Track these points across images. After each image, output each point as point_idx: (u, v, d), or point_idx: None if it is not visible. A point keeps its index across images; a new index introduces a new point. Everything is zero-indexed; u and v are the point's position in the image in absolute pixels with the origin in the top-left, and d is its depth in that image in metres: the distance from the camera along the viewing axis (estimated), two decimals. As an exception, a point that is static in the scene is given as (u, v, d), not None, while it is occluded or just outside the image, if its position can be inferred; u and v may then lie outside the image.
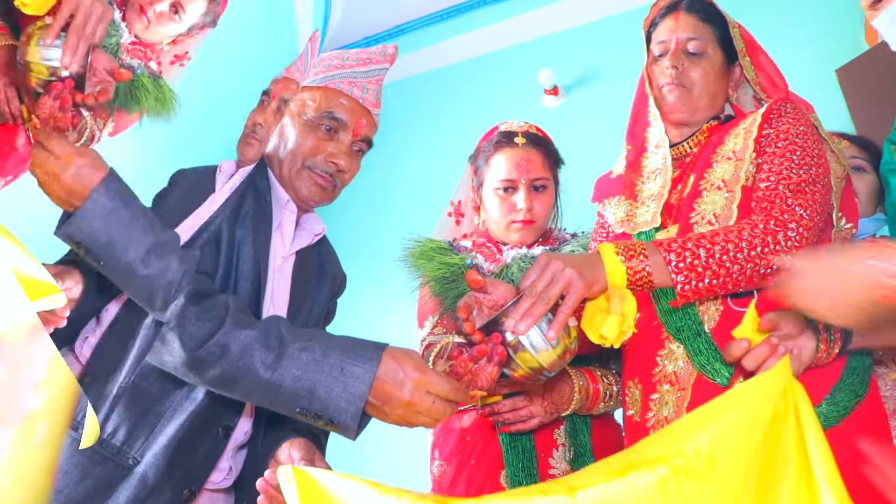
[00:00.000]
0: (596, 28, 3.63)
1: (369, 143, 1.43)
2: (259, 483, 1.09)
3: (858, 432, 1.13)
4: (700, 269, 1.13)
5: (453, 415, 1.65)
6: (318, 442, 1.27)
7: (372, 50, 1.43)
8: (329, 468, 1.16)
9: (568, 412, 1.51)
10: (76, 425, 1.11)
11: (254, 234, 1.25)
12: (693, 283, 1.13)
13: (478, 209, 1.83)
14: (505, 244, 1.74)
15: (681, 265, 1.13)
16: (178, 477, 1.12)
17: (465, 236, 1.83)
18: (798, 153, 1.26)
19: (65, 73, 1.22)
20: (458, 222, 1.91)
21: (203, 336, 1.03)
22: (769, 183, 1.25)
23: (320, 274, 1.45)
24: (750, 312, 1.16)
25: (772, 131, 1.31)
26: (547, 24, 3.73)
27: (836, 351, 1.13)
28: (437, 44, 3.93)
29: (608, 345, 1.09)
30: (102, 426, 1.11)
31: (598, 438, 1.57)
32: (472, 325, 1.14)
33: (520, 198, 1.69)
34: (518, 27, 3.77)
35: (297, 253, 1.40)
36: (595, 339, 1.10)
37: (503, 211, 1.71)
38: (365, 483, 0.93)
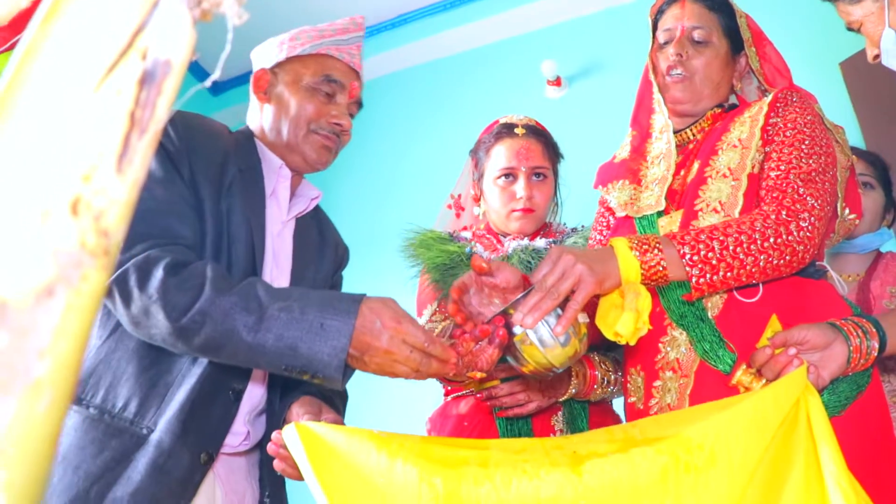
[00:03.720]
0: (599, 19, 3.62)
1: (359, 105, 1.48)
2: (269, 446, 1.12)
3: (860, 423, 1.14)
4: (714, 262, 1.12)
5: (450, 401, 1.68)
6: (330, 401, 1.29)
7: (343, 21, 1.47)
8: (340, 422, 1.18)
9: (565, 397, 1.51)
10: (87, 404, 1.13)
11: (242, 202, 1.27)
12: (708, 275, 1.13)
13: (478, 200, 1.84)
14: (505, 235, 1.76)
15: (695, 258, 1.12)
16: (193, 440, 1.14)
17: (465, 228, 1.86)
18: (807, 143, 1.26)
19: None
20: (458, 215, 1.93)
21: (185, 305, 1.05)
22: (779, 172, 1.24)
23: (321, 241, 1.48)
24: (772, 323, 1.17)
25: (779, 120, 1.30)
26: (550, 15, 3.71)
27: (874, 356, 1.11)
28: (440, 33, 3.91)
29: (623, 342, 1.08)
30: (112, 401, 1.13)
31: (595, 425, 1.56)
32: (458, 307, 1.14)
33: (520, 186, 1.72)
34: (521, 17, 3.75)
35: (297, 221, 1.43)
36: (610, 336, 1.09)
37: (503, 200, 1.73)
38: (367, 434, 0.95)
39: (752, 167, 1.27)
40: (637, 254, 1.13)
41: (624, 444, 0.99)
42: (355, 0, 3.83)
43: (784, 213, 1.17)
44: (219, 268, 1.12)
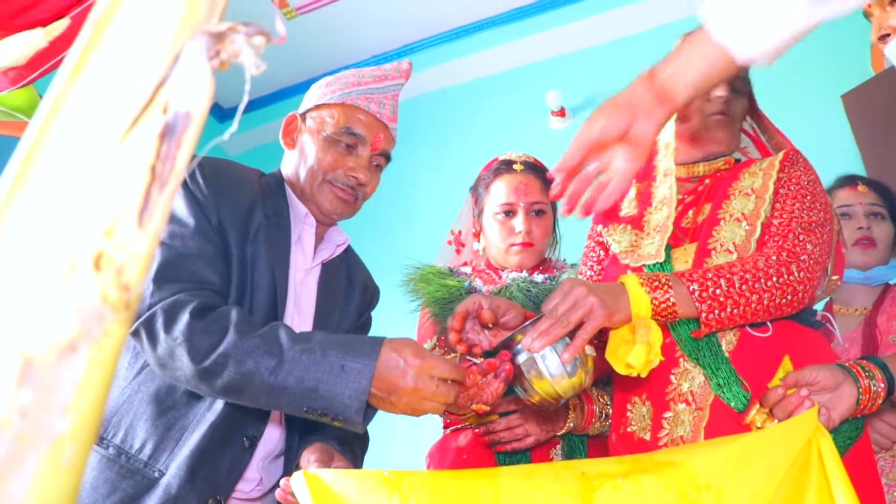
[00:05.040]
0: (604, 51, 3.66)
1: (387, 157, 1.46)
2: (277, 493, 1.13)
3: (858, 463, 1.16)
4: (722, 299, 1.16)
5: (449, 434, 1.67)
6: (349, 447, 1.30)
7: (386, 66, 1.47)
8: (351, 467, 1.18)
9: (563, 431, 1.51)
10: (107, 444, 1.14)
11: (267, 249, 1.28)
12: (716, 312, 1.16)
13: (478, 236, 1.88)
14: (504, 269, 1.78)
15: (704, 294, 1.16)
16: (201, 486, 1.14)
17: (465, 264, 1.89)
18: (809, 198, 1.32)
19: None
20: (458, 251, 1.96)
21: (208, 348, 1.06)
22: (782, 220, 1.29)
23: (349, 285, 1.48)
24: (785, 364, 1.20)
25: (785, 176, 1.36)
26: (555, 46, 3.76)
27: (882, 398, 1.14)
28: (445, 63, 3.96)
29: (634, 374, 1.10)
30: (130, 442, 1.15)
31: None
32: (459, 336, 1.16)
33: (518, 221, 1.75)
34: (526, 48, 3.79)
35: (324, 266, 1.43)
36: (621, 370, 1.11)
37: (503, 234, 1.77)
38: (378, 477, 0.95)
39: (766, 217, 1.32)
40: (647, 290, 1.16)
41: (633, 465, 1.00)
42: (360, 29, 3.88)
43: (784, 254, 1.22)
44: (244, 312, 1.14)
